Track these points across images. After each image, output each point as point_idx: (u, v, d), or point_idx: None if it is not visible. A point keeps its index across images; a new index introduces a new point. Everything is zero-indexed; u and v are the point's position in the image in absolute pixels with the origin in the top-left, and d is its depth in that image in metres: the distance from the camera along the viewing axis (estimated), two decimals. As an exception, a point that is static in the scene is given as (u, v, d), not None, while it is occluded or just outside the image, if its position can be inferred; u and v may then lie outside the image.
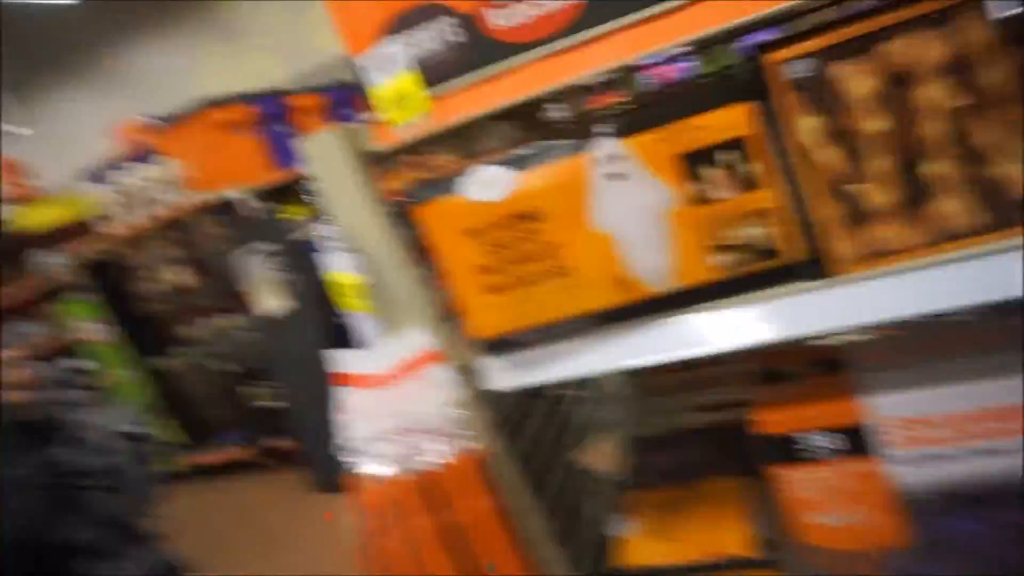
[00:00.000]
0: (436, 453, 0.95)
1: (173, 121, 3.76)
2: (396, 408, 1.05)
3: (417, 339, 0.97)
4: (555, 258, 0.84)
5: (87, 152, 7.03)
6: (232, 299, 3.83)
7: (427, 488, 0.93)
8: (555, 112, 1.35)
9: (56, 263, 4.76)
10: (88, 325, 4.25)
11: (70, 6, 8.24)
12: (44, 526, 1.12)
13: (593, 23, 0.80)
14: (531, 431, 1.11)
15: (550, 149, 0.83)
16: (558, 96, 1.04)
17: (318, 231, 1.01)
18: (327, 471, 3.39)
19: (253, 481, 3.93)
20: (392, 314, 0.98)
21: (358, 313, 1.06)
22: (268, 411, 3.91)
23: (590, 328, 0.86)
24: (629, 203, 0.80)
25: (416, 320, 0.96)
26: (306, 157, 0.97)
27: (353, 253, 0.99)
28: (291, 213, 3.82)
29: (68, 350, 4.32)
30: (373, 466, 0.99)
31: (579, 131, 0.80)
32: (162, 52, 9.07)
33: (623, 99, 1.65)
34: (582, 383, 1.34)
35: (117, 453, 1.24)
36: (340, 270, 1.02)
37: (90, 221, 4.38)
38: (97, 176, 4.07)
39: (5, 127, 5.36)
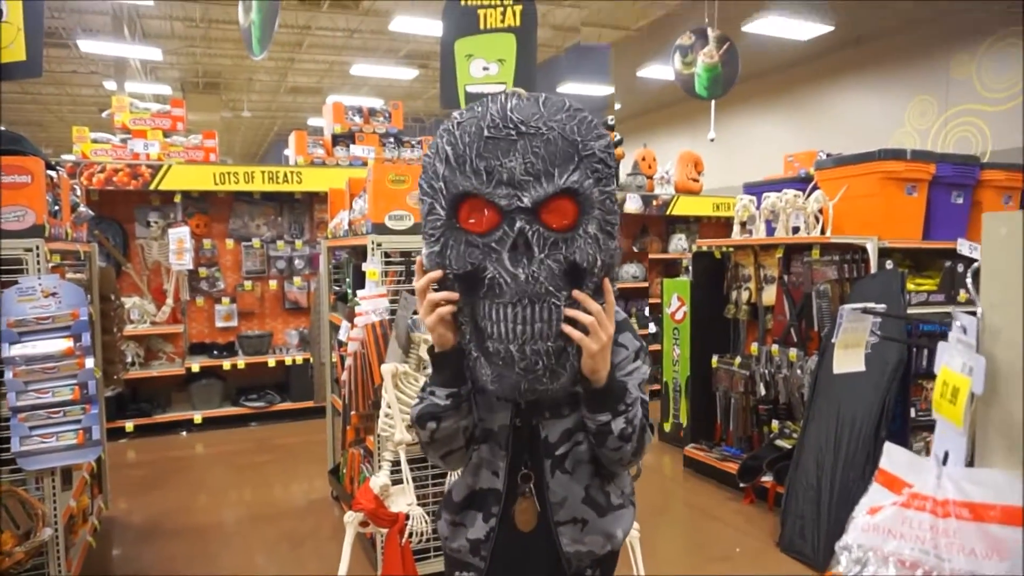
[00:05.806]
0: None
1: (845, 162, 3.78)
2: (925, 542, 0.89)
3: (1005, 484, 0.78)
4: None
5: (753, 166, 7.81)
6: (800, 333, 3.80)
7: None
8: None
9: (682, 247, 6.15)
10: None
11: (798, 42, 8.98)
12: None
13: None
14: None
15: None
16: None
17: (955, 317, 0.89)
18: (798, 539, 3.16)
19: (710, 494, 3.97)
20: (991, 442, 0.81)
21: (945, 420, 0.91)
22: (776, 448, 3.83)
23: None
24: None
25: (1017, 463, 0.77)
26: (987, 234, 0.85)
27: (980, 356, 0.84)
28: (915, 284, 3.49)
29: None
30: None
31: None
32: (869, 101, 9.13)
33: None
34: None
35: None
36: (954, 368, 0.88)
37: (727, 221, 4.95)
38: (752, 188, 4.46)
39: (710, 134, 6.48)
